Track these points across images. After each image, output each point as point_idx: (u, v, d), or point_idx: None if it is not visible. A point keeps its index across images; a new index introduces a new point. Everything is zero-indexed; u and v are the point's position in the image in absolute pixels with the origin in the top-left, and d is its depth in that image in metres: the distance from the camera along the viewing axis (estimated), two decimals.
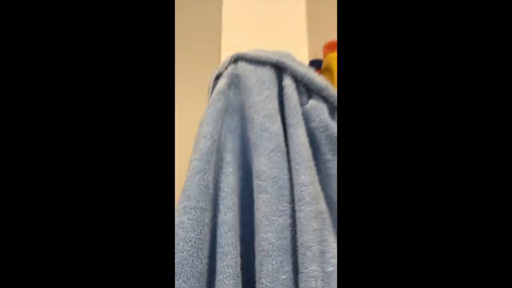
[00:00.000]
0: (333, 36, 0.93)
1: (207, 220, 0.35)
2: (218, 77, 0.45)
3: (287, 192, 0.36)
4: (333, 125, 0.41)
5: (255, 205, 0.36)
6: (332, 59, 0.94)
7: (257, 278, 0.33)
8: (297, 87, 0.43)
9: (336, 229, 0.35)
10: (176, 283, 0.32)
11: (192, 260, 0.33)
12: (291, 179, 0.37)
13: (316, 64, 1.09)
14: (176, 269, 0.32)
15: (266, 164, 0.37)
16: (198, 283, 0.33)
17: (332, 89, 0.44)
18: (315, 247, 0.32)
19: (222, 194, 0.37)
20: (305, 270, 0.31)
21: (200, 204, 0.35)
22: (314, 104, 0.42)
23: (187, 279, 0.32)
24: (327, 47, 0.98)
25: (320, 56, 1.01)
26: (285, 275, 0.32)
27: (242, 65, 0.44)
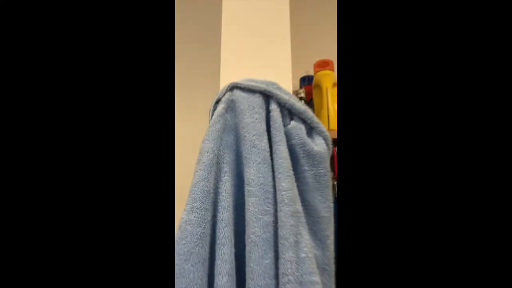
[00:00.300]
0: (312, 65, 1.07)
1: (209, 218, 0.45)
2: (217, 102, 0.55)
3: (271, 196, 0.46)
4: (309, 142, 0.51)
5: (246, 206, 0.46)
6: (321, 76, 1.05)
7: (247, 263, 0.43)
8: (281, 111, 0.53)
9: (308, 225, 0.45)
10: (186, 267, 0.42)
11: (198, 249, 0.43)
12: (274, 186, 0.47)
13: (307, 79, 1.19)
14: (185, 256, 0.42)
15: (255, 174, 0.47)
16: (203, 267, 0.42)
17: (309, 112, 0.54)
18: (291, 238, 0.42)
19: (220, 197, 0.47)
20: (283, 256, 0.41)
21: (204, 205, 0.45)
22: (294, 124, 0.52)
23: (195, 263, 0.42)
24: (318, 65, 1.08)
25: (311, 73, 1.11)
26: (268, 260, 0.42)
27: (236, 93, 0.54)
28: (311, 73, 1.10)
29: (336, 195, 0.71)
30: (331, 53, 1.21)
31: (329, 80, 1.04)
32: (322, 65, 1.08)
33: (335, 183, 0.76)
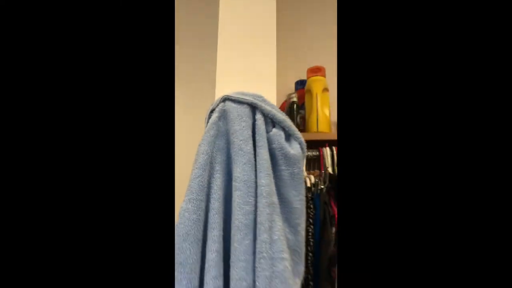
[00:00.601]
0: (295, 79, 1.22)
1: (203, 207, 0.56)
2: (212, 111, 0.65)
3: (252, 190, 0.56)
4: (287, 146, 0.61)
5: (233, 198, 0.57)
6: (312, 82, 1.15)
7: (231, 243, 0.54)
8: (265, 120, 0.63)
9: (282, 215, 0.56)
10: (183, 245, 0.53)
11: (194, 232, 0.54)
12: (256, 182, 0.57)
13: (300, 83, 1.29)
14: (183, 237, 0.53)
15: (241, 172, 0.58)
16: (197, 245, 0.54)
17: (288, 121, 0.64)
18: (266, 224, 0.53)
19: (213, 191, 0.58)
20: (260, 237, 0.52)
21: (199, 197, 0.56)
22: (275, 131, 0.62)
23: (191, 242, 0.53)
24: (311, 71, 1.18)
25: (304, 77, 1.20)
26: (248, 240, 0.53)
27: (228, 104, 0.64)
28: (304, 77, 1.20)
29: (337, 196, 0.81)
30: (326, 59, 1.31)
31: (319, 86, 1.14)
32: (314, 71, 1.18)
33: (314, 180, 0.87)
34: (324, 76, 1.17)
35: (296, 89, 1.31)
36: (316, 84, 1.13)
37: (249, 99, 0.64)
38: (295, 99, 1.15)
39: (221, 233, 0.55)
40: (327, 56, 1.36)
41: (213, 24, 0.74)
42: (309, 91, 1.14)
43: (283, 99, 1.30)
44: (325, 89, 1.15)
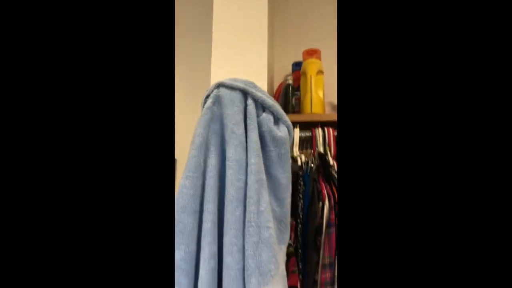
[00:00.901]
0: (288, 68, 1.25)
1: (199, 183, 0.64)
2: (207, 97, 0.71)
3: (243, 168, 0.63)
4: (275, 129, 0.67)
5: (226, 175, 0.64)
6: (308, 64, 1.19)
7: (224, 214, 0.62)
8: (255, 105, 0.69)
9: (270, 190, 0.63)
10: (182, 216, 0.61)
11: (191, 204, 0.62)
12: (246, 161, 0.64)
13: (296, 65, 1.32)
14: (182, 209, 0.61)
15: (233, 153, 0.64)
16: (194, 216, 0.62)
17: (277, 106, 0.70)
18: (254, 197, 0.60)
19: (208, 169, 0.65)
20: (248, 209, 0.60)
21: (195, 174, 0.63)
22: (265, 116, 0.68)
23: (188, 214, 0.61)
24: (307, 53, 1.22)
25: (301, 59, 1.24)
26: (239, 212, 0.61)
27: (222, 90, 0.70)
28: (301, 59, 1.23)
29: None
30: (324, 40, 1.33)
31: (314, 68, 1.18)
32: (310, 53, 1.22)
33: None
34: (319, 58, 1.21)
35: (293, 70, 1.34)
36: (311, 67, 1.17)
37: (241, 85, 0.69)
38: (290, 82, 1.20)
39: (215, 205, 0.63)
40: (325, 37, 1.38)
41: (208, 15, 0.78)
42: (304, 73, 1.18)
43: (281, 80, 1.34)
44: (320, 72, 1.18)
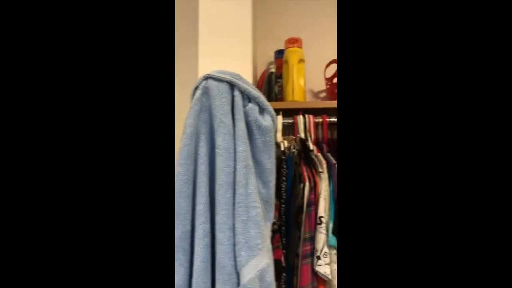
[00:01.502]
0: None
1: (192, 170, 0.70)
2: (196, 88, 0.76)
3: (232, 155, 0.69)
4: (260, 119, 0.73)
5: (216, 162, 0.70)
6: (289, 53, 1.24)
7: (216, 197, 0.68)
8: (242, 96, 0.74)
9: (256, 174, 0.70)
10: (178, 199, 0.67)
11: (185, 189, 0.68)
12: (234, 149, 0.70)
13: (279, 53, 1.37)
14: (178, 194, 0.67)
15: (222, 141, 0.70)
16: (188, 199, 0.68)
17: (261, 97, 0.75)
18: (243, 181, 0.67)
19: (199, 157, 0.71)
20: (238, 191, 0.67)
21: (188, 161, 0.69)
22: (251, 106, 0.74)
23: (183, 197, 0.67)
24: (289, 42, 1.27)
25: (283, 47, 1.28)
26: (229, 194, 0.67)
27: (210, 81, 0.74)
28: (283, 47, 1.27)
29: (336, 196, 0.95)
30: (306, 28, 1.38)
31: (295, 57, 1.23)
32: (292, 41, 1.26)
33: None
34: (300, 47, 1.26)
35: (276, 58, 1.38)
36: (292, 56, 1.22)
37: (228, 77, 0.74)
38: (273, 70, 1.25)
39: (207, 189, 0.69)
40: (306, 25, 1.42)
41: (194, 8, 0.81)
42: (286, 62, 1.23)
43: (264, 67, 1.38)
44: (301, 60, 1.24)
